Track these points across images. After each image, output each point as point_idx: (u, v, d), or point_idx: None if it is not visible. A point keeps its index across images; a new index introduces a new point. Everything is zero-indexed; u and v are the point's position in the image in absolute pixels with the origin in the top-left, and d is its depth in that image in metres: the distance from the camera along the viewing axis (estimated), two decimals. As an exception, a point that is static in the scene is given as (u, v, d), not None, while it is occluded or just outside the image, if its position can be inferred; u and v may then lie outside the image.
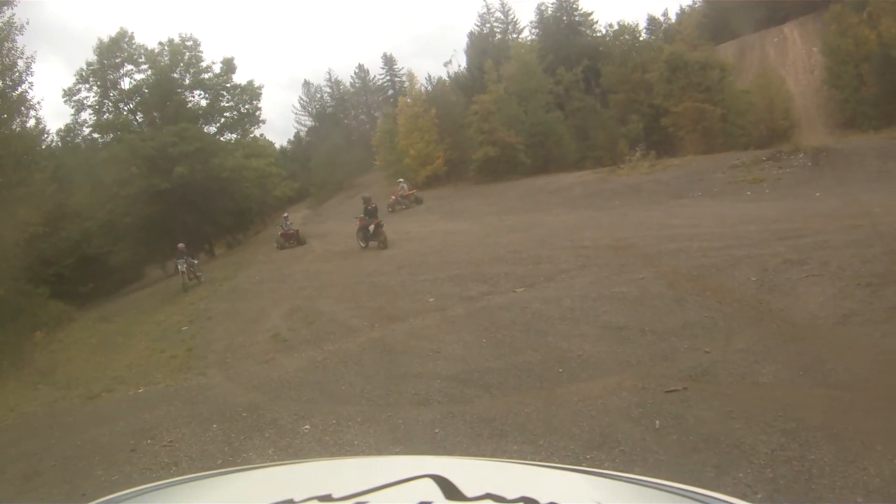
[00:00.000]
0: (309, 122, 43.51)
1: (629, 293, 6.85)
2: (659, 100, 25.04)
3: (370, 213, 14.07)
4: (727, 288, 6.53)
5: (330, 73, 44.33)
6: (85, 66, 22.46)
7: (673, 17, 36.41)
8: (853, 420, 3.58)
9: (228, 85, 24.57)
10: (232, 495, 1.13)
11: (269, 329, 8.74)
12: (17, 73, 15.77)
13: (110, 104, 23.14)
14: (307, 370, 6.45)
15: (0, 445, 6.39)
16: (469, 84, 30.57)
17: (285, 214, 20.71)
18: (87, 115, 23.06)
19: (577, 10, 34.05)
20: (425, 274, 9.83)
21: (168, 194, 21.12)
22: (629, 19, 42.37)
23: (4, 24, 14.99)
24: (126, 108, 23.45)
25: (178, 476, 1.52)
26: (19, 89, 15.97)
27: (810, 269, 6.56)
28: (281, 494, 0.93)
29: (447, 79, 33.75)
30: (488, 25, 36.26)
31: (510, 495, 0.87)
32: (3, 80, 15.53)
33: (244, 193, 23.75)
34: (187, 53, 23.66)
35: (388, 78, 43.92)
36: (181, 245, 16.00)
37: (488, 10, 36.46)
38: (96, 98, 22.85)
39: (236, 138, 24.98)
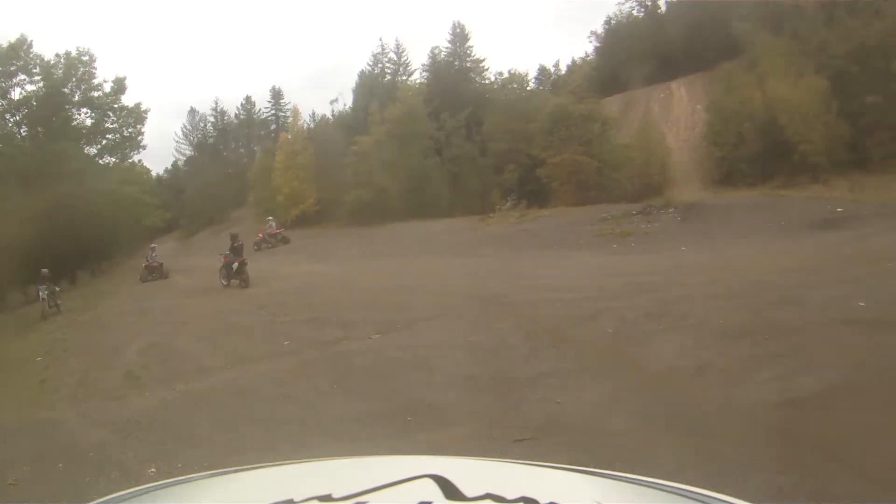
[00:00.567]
0: (189, 151, 40.25)
1: (486, 343, 6.87)
2: (537, 150, 25.05)
3: (236, 251, 13.98)
4: (585, 339, 6.60)
5: (216, 103, 41.28)
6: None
7: (564, 69, 36.30)
8: (702, 464, 3.60)
9: (116, 105, 23.98)
10: (232, 495, 1.15)
11: (124, 365, 8.58)
12: None
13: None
14: (157, 409, 6.36)
15: None
16: (352, 124, 29.97)
17: (153, 245, 20.46)
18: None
19: (469, 55, 34.49)
20: (284, 315, 9.89)
21: (39, 215, 19.92)
22: (522, 68, 43.90)
23: None
24: (12, 120, 22.37)
25: None
26: None
27: (669, 322, 6.68)
28: (281, 494, 0.93)
29: (331, 117, 33.40)
30: (380, 65, 36.25)
31: (510, 495, 0.87)
32: None
33: (115, 221, 22.84)
34: (82, 68, 22.94)
35: (273, 112, 42.10)
36: (45, 270, 15.56)
37: (382, 49, 36.40)
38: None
39: (115, 162, 24.55)
